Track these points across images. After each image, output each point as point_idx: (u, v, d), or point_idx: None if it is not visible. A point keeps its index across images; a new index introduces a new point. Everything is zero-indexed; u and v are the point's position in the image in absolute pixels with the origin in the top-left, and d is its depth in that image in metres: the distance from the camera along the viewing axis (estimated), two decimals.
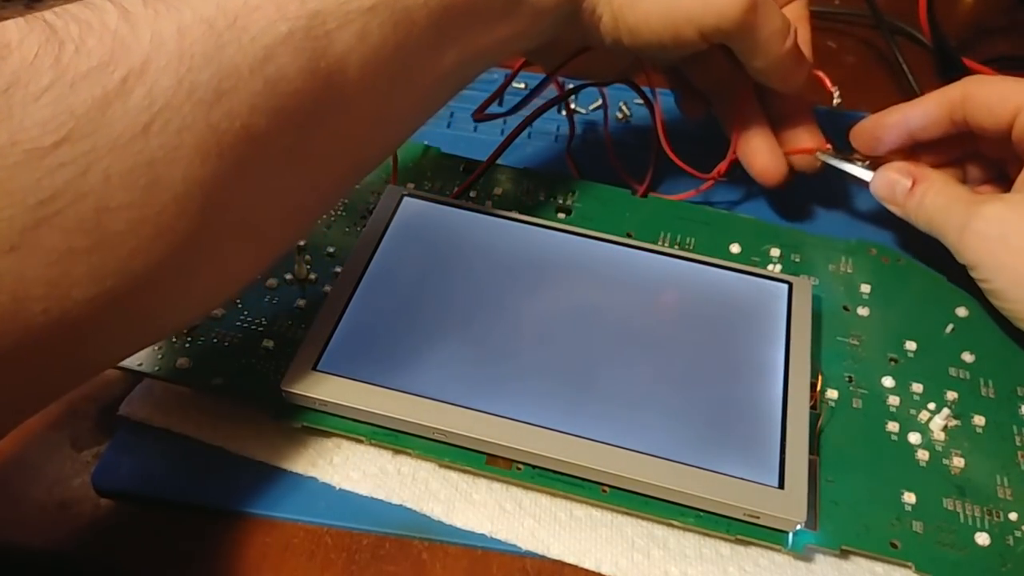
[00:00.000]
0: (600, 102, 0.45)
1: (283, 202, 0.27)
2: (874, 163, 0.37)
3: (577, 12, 0.33)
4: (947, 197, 0.34)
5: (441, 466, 0.30)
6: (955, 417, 0.31)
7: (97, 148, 0.21)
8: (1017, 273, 0.31)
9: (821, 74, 0.37)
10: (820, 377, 0.32)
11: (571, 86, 0.39)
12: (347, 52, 0.26)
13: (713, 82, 0.39)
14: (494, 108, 0.39)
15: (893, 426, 0.31)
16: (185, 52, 0.22)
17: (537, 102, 0.38)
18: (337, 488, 0.29)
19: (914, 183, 0.35)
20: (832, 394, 0.32)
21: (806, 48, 0.37)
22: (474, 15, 0.29)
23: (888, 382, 0.32)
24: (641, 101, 0.39)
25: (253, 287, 0.33)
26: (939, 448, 0.30)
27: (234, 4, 0.24)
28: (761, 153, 0.38)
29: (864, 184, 0.37)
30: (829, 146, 0.38)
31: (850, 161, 0.38)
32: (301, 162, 0.26)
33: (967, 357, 0.33)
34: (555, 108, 0.41)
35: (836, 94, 0.37)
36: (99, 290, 0.22)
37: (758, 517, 0.28)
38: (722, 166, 0.38)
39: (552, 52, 0.36)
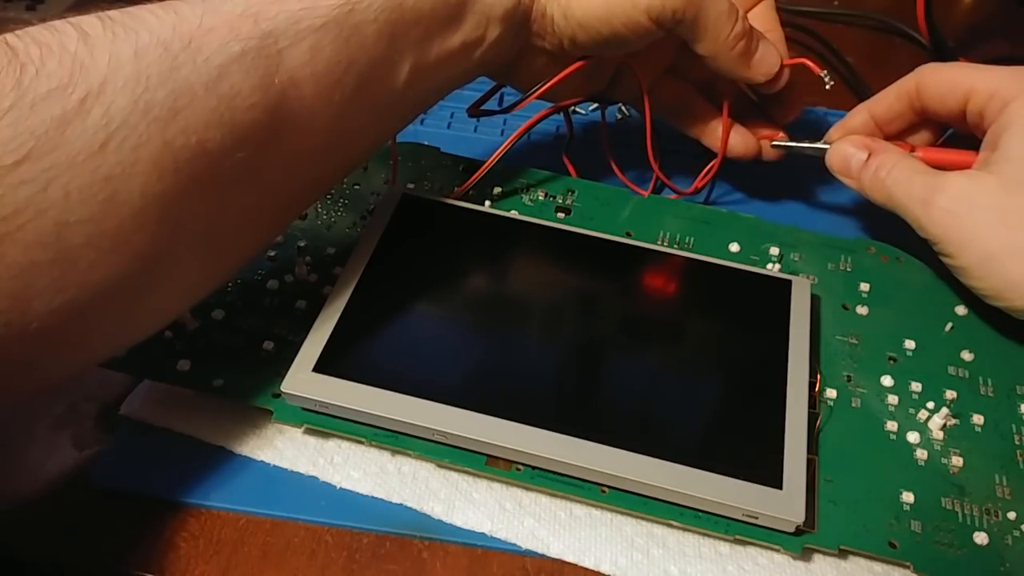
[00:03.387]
0: (595, 105, 0.45)
1: (241, 215, 0.27)
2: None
3: (527, 17, 0.33)
4: (906, 171, 0.34)
5: (441, 466, 0.30)
6: (954, 416, 0.31)
7: (56, 165, 0.22)
8: (983, 250, 0.31)
9: (808, 61, 0.37)
10: (819, 376, 0.32)
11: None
12: (299, 68, 0.26)
13: (670, 105, 0.40)
14: (491, 107, 0.39)
15: (892, 425, 0.31)
16: (141, 73, 0.23)
17: (539, 105, 0.38)
18: (338, 487, 0.29)
19: (870, 156, 0.35)
20: (831, 393, 0.32)
21: (780, 47, 0.37)
22: (422, 25, 0.30)
23: (887, 381, 0.32)
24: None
25: (254, 289, 0.33)
26: (938, 447, 0.30)
27: (189, 26, 0.25)
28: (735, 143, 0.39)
29: (822, 159, 0.37)
30: (782, 133, 0.39)
31: (806, 143, 0.38)
32: (258, 176, 0.27)
33: (966, 356, 0.33)
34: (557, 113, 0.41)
35: (826, 76, 0.37)
36: (60, 302, 0.23)
37: (757, 517, 0.28)
38: (706, 177, 0.39)
39: (520, 72, 0.36)
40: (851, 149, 0.36)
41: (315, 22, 0.27)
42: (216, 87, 0.25)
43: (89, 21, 0.24)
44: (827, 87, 0.37)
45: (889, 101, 0.37)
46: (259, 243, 0.30)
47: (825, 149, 0.37)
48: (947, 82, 0.35)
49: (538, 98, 0.36)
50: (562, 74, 0.35)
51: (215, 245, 0.27)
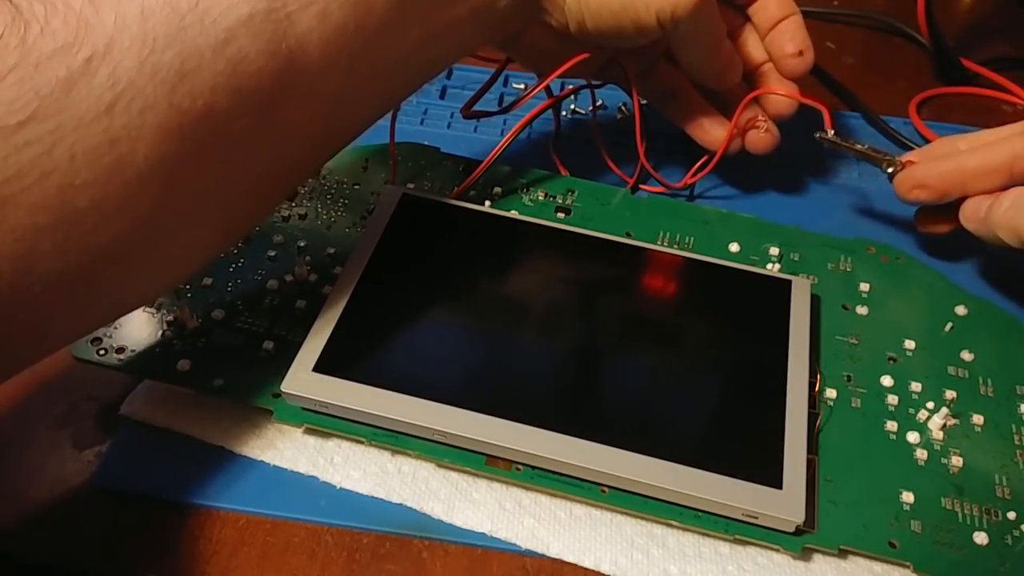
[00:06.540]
0: (601, 102, 0.45)
1: (246, 179, 0.27)
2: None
3: None
4: None
5: (441, 466, 0.30)
6: (954, 416, 0.31)
7: (62, 127, 0.21)
8: None
9: (823, 108, 0.37)
10: (819, 376, 0.32)
11: (568, 87, 0.39)
12: (307, 32, 0.26)
13: (661, 91, 0.40)
14: (491, 108, 0.39)
15: (892, 425, 0.31)
16: (148, 33, 0.23)
17: (533, 102, 0.38)
18: (338, 487, 0.29)
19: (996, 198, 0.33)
20: (831, 393, 0.32)
21: (800, 33, 0.37)
22: None
23: (887, 381, 0.32)
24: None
25: (254, 288, 0.33)
26: (938, 447, 0.30)
27: None
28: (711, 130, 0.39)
29: (868, 160, 0.37)
30: (832, 131, 0.37)
31: (860, 145, 0.37)
32: (263, 141, 0.27)
33: (966, 356, 0.33)
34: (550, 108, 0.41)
35: (831, 133, 0.37)
36: (63, 265, 0.22)
37: (756, 517, 0.28)
38: (702, 172, 0.39)
39: (526, 47, 0.36)
40: (982, 202, 0.33)
41: None
42: (224, 51, 0.24)
43: None
44: (825, 134, 0.37)
45: (987, 159, 0.34)
46: (264, 207, 0.30)
47: (890, 163, 0.36)
48: None
49: (537, 91, 0.36)
50: (559, 70, 0.35)
51: (220, 209, 0.27)
